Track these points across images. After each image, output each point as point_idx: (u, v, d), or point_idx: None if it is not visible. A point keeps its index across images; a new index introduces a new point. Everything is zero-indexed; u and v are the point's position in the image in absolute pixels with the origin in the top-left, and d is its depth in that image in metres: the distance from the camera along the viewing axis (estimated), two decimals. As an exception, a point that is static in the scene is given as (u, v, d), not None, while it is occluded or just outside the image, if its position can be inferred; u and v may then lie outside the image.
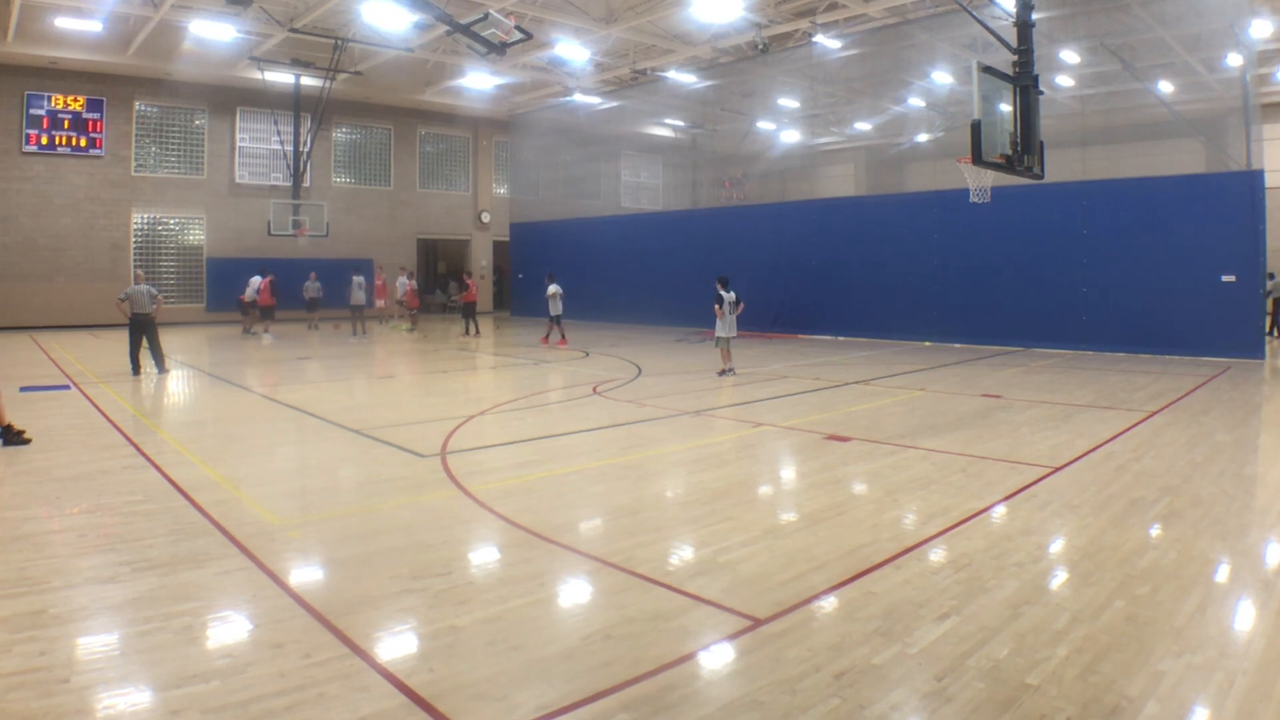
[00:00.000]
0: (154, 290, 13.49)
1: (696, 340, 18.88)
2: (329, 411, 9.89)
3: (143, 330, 13.21)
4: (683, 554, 4.93)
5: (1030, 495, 6.07)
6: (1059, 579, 4.50)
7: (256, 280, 21.28)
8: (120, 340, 14.43)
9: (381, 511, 5.77)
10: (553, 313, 18.25)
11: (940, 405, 10.21)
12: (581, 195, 32.09)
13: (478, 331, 21.15)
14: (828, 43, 21.14)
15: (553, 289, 18.25)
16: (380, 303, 24.90)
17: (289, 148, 25.57)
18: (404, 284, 23.46)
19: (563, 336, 18.45)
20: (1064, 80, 24.27)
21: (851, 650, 3.59)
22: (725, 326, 12.90)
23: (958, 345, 17.52)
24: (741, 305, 13.12)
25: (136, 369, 13.18)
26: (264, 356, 16.88)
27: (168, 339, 13.63)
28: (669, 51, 23.35)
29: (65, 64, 22.12)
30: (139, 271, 14.60)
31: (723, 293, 12.79)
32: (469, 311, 21.24)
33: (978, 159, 9.17)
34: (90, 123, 23.42)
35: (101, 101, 23.48)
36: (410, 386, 12.92)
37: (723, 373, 13.11)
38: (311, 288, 22.83)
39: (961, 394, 11.10)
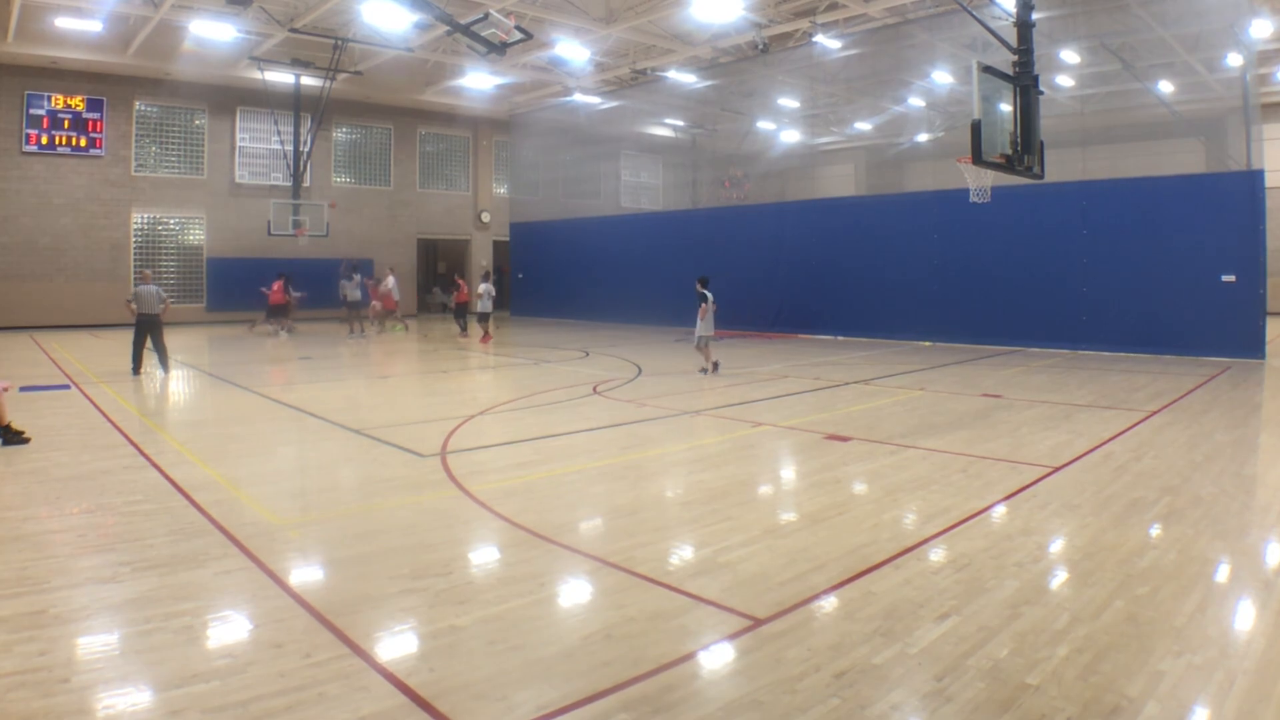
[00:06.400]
0: (162, 292, 13.54)
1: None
2: (329, 411, 9.89)
3: (148, 330, 13.23)
4: (683, 554, 4.93)
5: (1030, 495, 6.06)
6: (1059, 579, 4.50)
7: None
8: (120, 340, 14.47)
9: (381, 511, 5.77)
10: (480, 310, 19.49)
11: (940, 405, 10.21)
12: (581, 195, 32.12)
13: (465, 330, 21.50)
14: (828, 43, 21.13)
15: (483, 288, 19.54)
16: (376, 304, 24.81)
17: (289, 148, 25.56)
18: (392, 284, 23.41)
19: (482, 333, 19.72)
20: (1064, 80, 24.28)
21: (851, 650, 3.59)
22: (708, 325, 12.98)
23: (958, 345, 17.52)
24: (715, 306, 13.18)
25: (137, 369, 13.18)
26: (264, 356, 16.88)
27: (168, 338, 13.65)
28: (669, 51, 23.35)
29: (65, 64, 22.12)
30: (146, 271, 14.61)
31: (707, 292, 12.86)
32: (461, 311, 21.88)
33: (978, 159, 9.16)
34: (90, 123, 23.42)
35: (101, 101, 23.48)
36: (410, 386, 12.92)
37: (705, 370, 13.14)
38: (348, 285, 22.69)
39: (961, 394, 11.10)
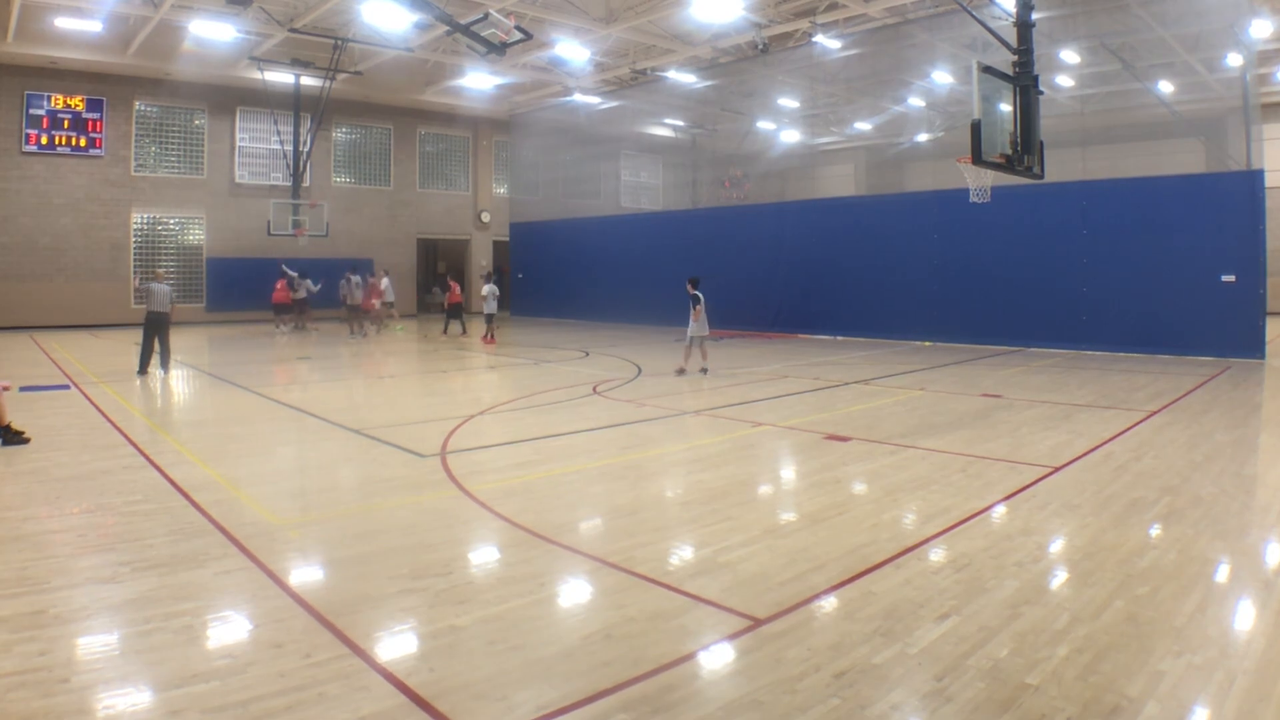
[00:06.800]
0: (172, 292, 13.59)
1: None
2: (329, 411, 9.89)
3: (157, 328, 13.26)
4: (682, 554, 4.93)
5: (1030, 495, 6.06)
6: (1059, 579, 4.49)
7: (307, 281, 21.96)
8: (120, 340, 14.47)
9: (381, 511, 5.77)
10: (486, 311, 19.59)
11: (940, 405, 10.20)
12: (581, 195, 32.12)
13: (464, 330, 21.57)
14: (828, 43, 21.14)
15: (487, 289, 19.59)
16: (374, 302, 24.76)
17: (289, 148, 25.56)
18: (386, 284, 23.33)
19: (492, 335, 19.71)
20: (1064, 80, 24.29)
21: (851, 650, 3.59)
22: (702, 325, 12.98)
23: (958, 345, 17.51)
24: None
25: (144, 368, 13.16)
26: (263, 356, 16.88)
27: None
28: (669, 51, 23.35)
29: (65, 64, 22.11)
30: (159, 270, 14.62)
31: (698, 293, 12.86)
32: (455, 312, 21.97)
33: (978, 159, 9.16)
34: (90, 123, 23.41)
35: (101, 101, 23.48)
36: (410, 386, 12.91)
37: (704, 370, 13.13)
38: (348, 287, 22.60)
39: (961, 394, 11.10)
